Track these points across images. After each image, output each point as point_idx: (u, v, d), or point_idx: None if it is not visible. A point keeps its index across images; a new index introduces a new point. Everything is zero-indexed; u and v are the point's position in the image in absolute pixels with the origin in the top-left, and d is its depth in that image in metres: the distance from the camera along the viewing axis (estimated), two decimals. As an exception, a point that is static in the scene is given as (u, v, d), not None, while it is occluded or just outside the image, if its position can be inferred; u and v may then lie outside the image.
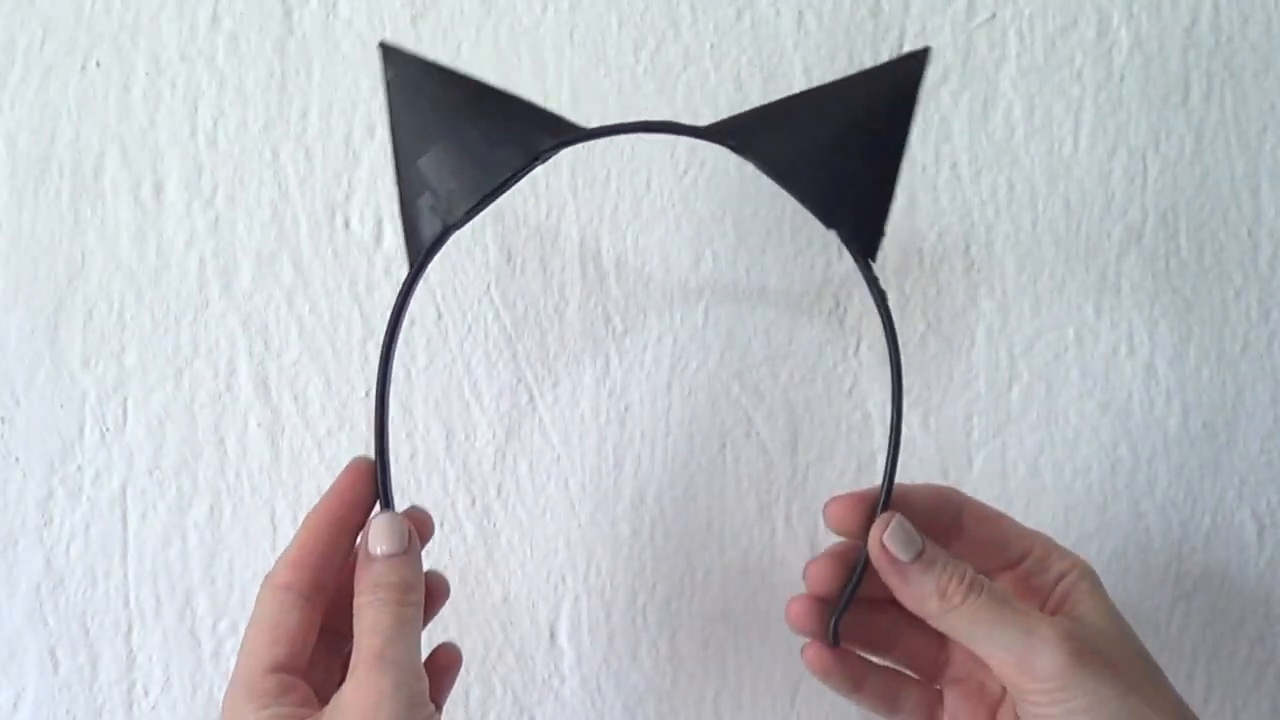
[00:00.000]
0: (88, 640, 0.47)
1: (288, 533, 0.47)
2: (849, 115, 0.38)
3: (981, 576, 0.37)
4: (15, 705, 0.47)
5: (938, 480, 0.49)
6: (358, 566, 0.36)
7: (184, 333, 0.48)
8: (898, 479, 0.38)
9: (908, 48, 0.49)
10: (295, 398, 0.48)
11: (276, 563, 0.37)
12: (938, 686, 0.41)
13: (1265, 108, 0.50)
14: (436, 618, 0.41)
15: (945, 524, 0.39)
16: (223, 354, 0.48)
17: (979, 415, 0.49)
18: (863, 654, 0.41)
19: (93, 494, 0.47)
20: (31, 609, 0.47)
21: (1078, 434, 0.50)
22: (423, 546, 0.38)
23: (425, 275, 0.48)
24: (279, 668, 0.35)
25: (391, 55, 0.38)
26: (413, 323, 0.48)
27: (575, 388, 0.48)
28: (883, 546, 0.37)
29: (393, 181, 0.48)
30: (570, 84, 0.49)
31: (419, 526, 0.38)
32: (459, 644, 0.41)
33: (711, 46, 0.49)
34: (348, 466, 0.38)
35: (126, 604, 0.47)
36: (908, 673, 0.41)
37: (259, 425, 0.48)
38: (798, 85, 0.49)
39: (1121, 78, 0.50)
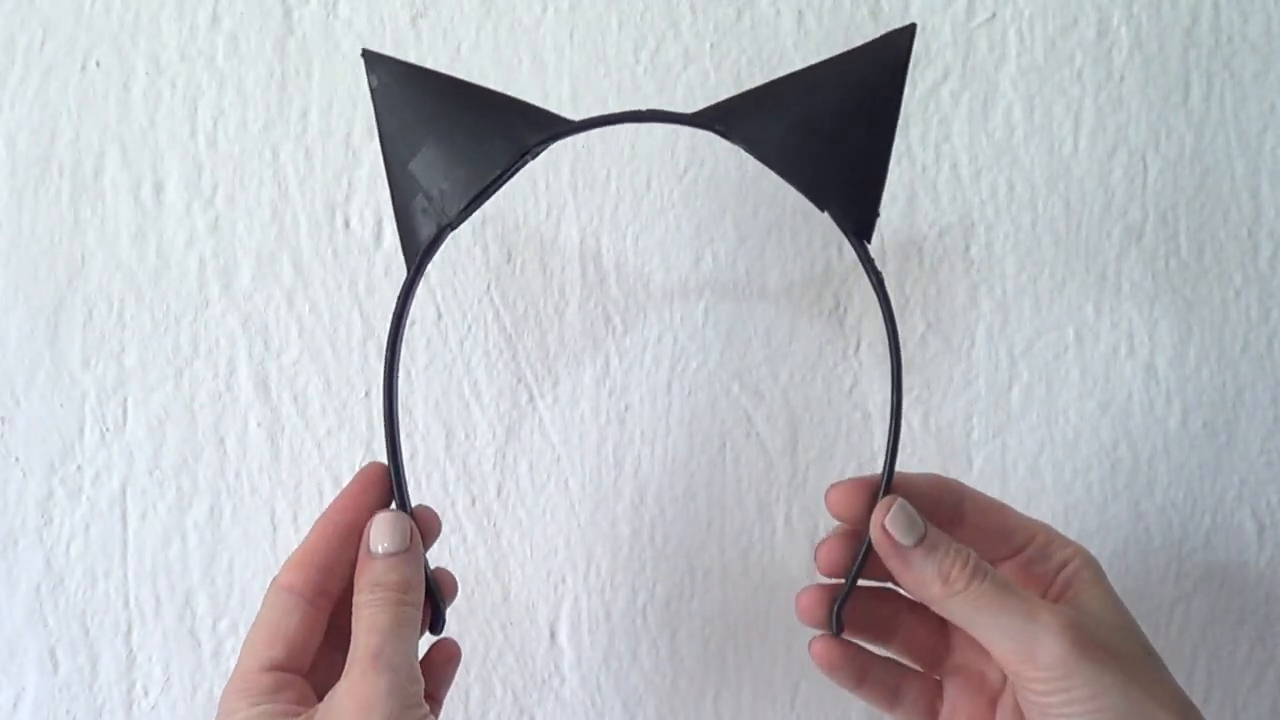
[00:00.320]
0: (88, 640, 0.47)
1: (288, 532, 0.47)
2: (837, 94, 0.38)
3: (984, 562, 0.36)
4: (15, 705, 0.47)
5: (938, 480, 0.49)
6: (358, 564, 0.36)
7: (184, 333, 0.48)
8: (898, 469, 0.38)
9: (908, 48, 0.49)
10: (295, 398, 0.48)
11: (283, 564, 0.37)
12: (938, 677, 0.41)
13: (1265, 108, 0.50)
14: None
15: (947, 512, 0.39)
16: (223, 354, 0.48)
17: (979, 415, 0.49)
18: (864, 644, 0.41)
19: (93, 494, 0.47)
20: (31, 609, 0.47)
21: (1078, 434, 0.50)
22: (429, 545, 0.38)
23: (425, 275, 0.48)
24: (275, 667, 0.35)
25: (374, 62, 0.38)
26: (413, 323, 0.48)
27: (575, 388, 0.48)
28: (884, 530, 0.37)
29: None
30: (570, 84, 0.49)
31: (425, 525, 0.38)
32: (459, 644, 0.41)
33: (711, 46, 0.49)
34: (360, 471, 0.38)
35: (126, 604, 0.47)
36: (909, 664, 0.41)
37: (259, 425, 0.48)
38: (798, 85, 0.49)
39: (1121, 78, 0.50)
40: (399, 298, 0.37)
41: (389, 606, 0.35)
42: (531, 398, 0.48)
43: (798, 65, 0.49)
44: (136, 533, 0.47)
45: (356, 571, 0.36)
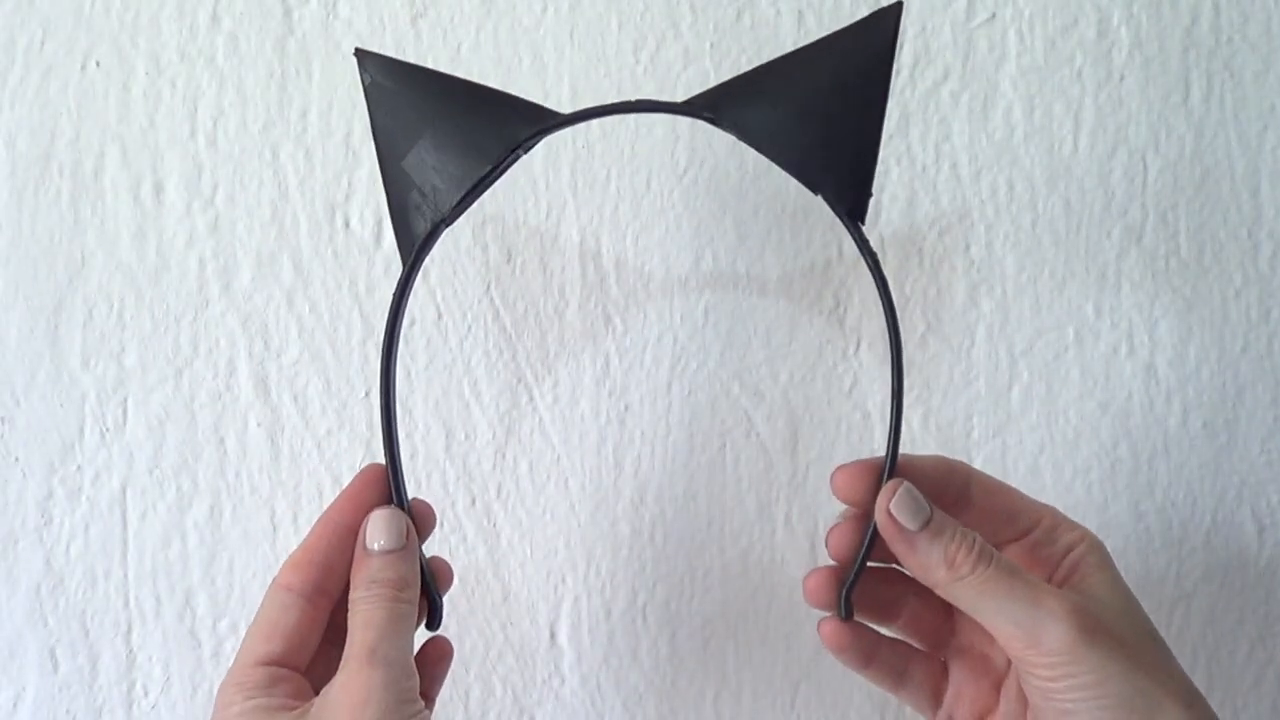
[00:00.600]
0: (88, 640, 0.47)
1: (288, 532, 0.47)
2: (826, 76, 0.38)
3: (990, 547, 0.36)
4: (15, 705, 0.47)
5: (938, 480, 0.49)
6: (355, 561, 0.36)
7: (184, 333, 0.48)
8: (902, 453, 0.38)
9: (908, 48, 0.49)
10: (295, 398, 0.48)
11: (283, 564, 0.37)
12: (942, 659, 0.41)
13: (1265, 108, 0.50)
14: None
15: (954, 495, 0.38)
16: (223, 354, 0.48)
17: (979, 415, 0.49)
18: (868, 623, 0.41)
19: (93, 494, 0.47)
20: (31, 609, 0.47)
21: (1078, 434, 0.50)
22: (425, 538, 0.38)
23: (425, 274, 0.48)
24: (272, 661, 0.35)
25: (366, 60, 0.38)
26: (413, 323, 0.48)
27: (575, 388, 0.48)
28: (889, 515, 0.36)
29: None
30: (570, 84, 0.49)
31: (421, 520, 0.38)
32: (459, 644, 0.41)
33: (711, 46, 0.49)
34: (361, 472, 0.38)
35: (126, 604, 0.47)
36: (914, 644, 0.41)
37: (259, 425, 0.48)
38: (798, 85, 0.49)
39: (1121, 78, 0.50)
40: (394, 294, 0.38)
41: (384, 603, 0.35)
42: (531, 398, 0.48)
43: (798, 65, 0.49)
44: (136, 533, 0.47)
45: (353, 568, 0.36)
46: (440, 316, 0.48)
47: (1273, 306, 0.50)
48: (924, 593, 0.39)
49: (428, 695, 0.39)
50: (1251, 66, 0.50)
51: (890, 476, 0.37)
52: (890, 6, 0.38)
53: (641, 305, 0.49)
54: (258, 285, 0.48)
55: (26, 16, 0.47)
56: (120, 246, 0.47)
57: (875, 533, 0.37)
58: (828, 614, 0.39)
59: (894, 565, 0.40)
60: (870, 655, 0.40)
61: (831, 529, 0.39)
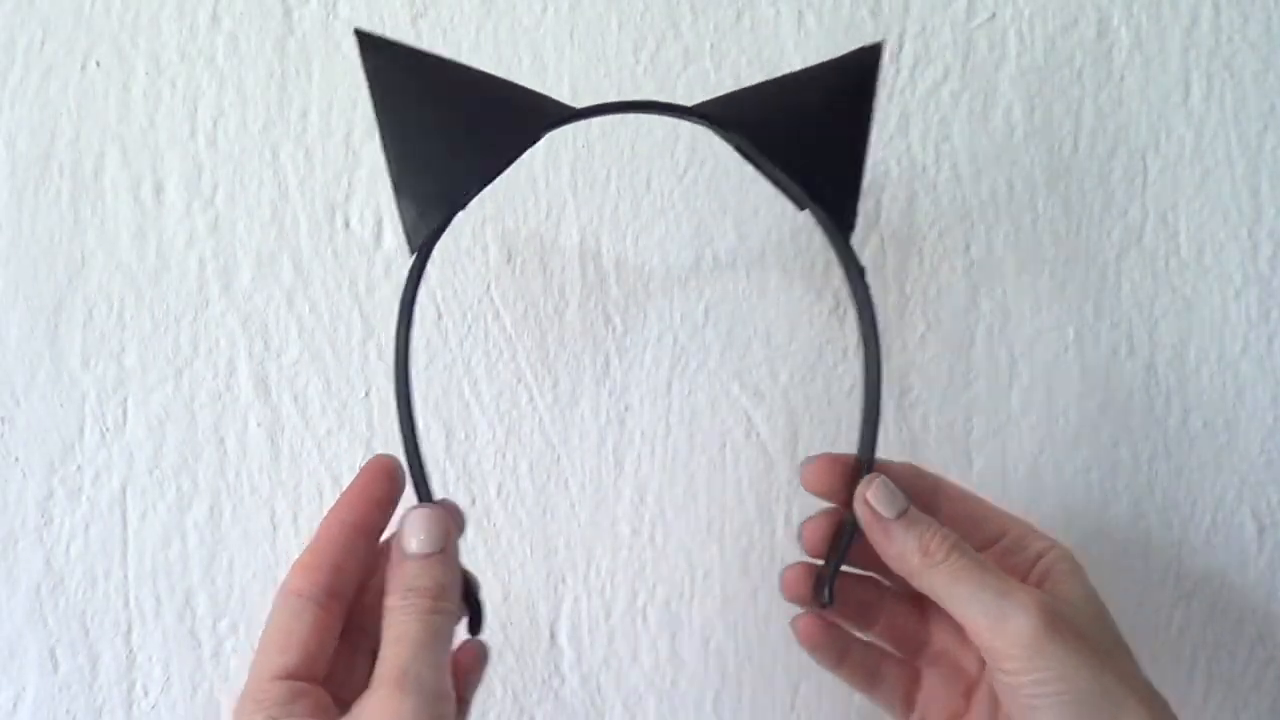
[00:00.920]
0: (88, 640, 0.47)
1: (288, 532, 0.47)
2: (816, 102, 0.39)
3: (964, 541, 0.37)
4: (15, 705, 0.47)
5: (938, 480, 0.49)
6: (390, 564, 0.35)
7: (184, 333, 0.48)
8: (878, 457, 0.39)
9: (908, 48, 0.49)
10: (295, 398, 0.48)
11: (290, 568, 0.35)
12: (917, 665, 0.41)
13: (1265, 108, 0.50)
14: None
15: (924, 500, 0.39)
16: (223, 354, 0.48)
17: (979, 415, 0.49)
18: (847, 627, 0.41)
19: (93, 494, 0.47)
20: (31, 609, 0.47)
21: (1078, 434, 0.50)
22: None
23: (425, 273, 0.48)
24: (289, 675, 0.33)
25: (368, 43, 0.37)
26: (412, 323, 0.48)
27: (575, 388, 0.48)
28: (867, 503, 0.37)
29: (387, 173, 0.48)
30: (570, 84, 0.49)
31: (453, 520, 0.36)
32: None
33: (711, 46, 0.49)
34: (368, 464, 0.36)
35: (126, 604, 0.47)
36: (889, 649, 0.42)
37: (259, 425, 0.48)
38: (798, 85, 0.49)
39: (1121, 78, 0.50)
40: (408, 282, 0.36)
41: (421, 615, 0.33)
42: (531, 398, 0.48)
43: (797, 65, 0.49)
44: (136, 533, 0.47)
45: (388, 571, 0.34)
46: (440, 316, 0.48)
47: (1273, 306, 0.50)
48: (901, 600, 0.40)
49: (462, 699, 0.37)
50: (1251, 66, 0.50)
51: (868, 472, 0.38)
52: (871, 46, 0.40)
53: (641, 305, 0.49)
54: (258, 285, 0.48)
55: (26, 16, 0.47)
56: (120, 246, 0.47)
57: (855, 525, 0.38)
58: (804, 610, 0.40)
59: (872, 574, 0.40)
60: (843, 654, 0.40)
61: (805, 522, 0.40)
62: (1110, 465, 0.50)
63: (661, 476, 0.49)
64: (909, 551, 0.37)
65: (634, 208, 0.49)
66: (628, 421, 0.49)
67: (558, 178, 0.48)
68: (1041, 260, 0.50)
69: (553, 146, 0.48)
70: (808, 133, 0.39)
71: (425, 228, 0.36)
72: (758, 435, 0.49)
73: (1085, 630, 0.36)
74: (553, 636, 0.48)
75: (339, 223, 0.48)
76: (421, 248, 0.37)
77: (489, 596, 0.48)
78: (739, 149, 0.41)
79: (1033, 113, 0.50)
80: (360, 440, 0.48)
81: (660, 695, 0.49)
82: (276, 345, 0.48)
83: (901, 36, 0.49)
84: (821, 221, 0.39)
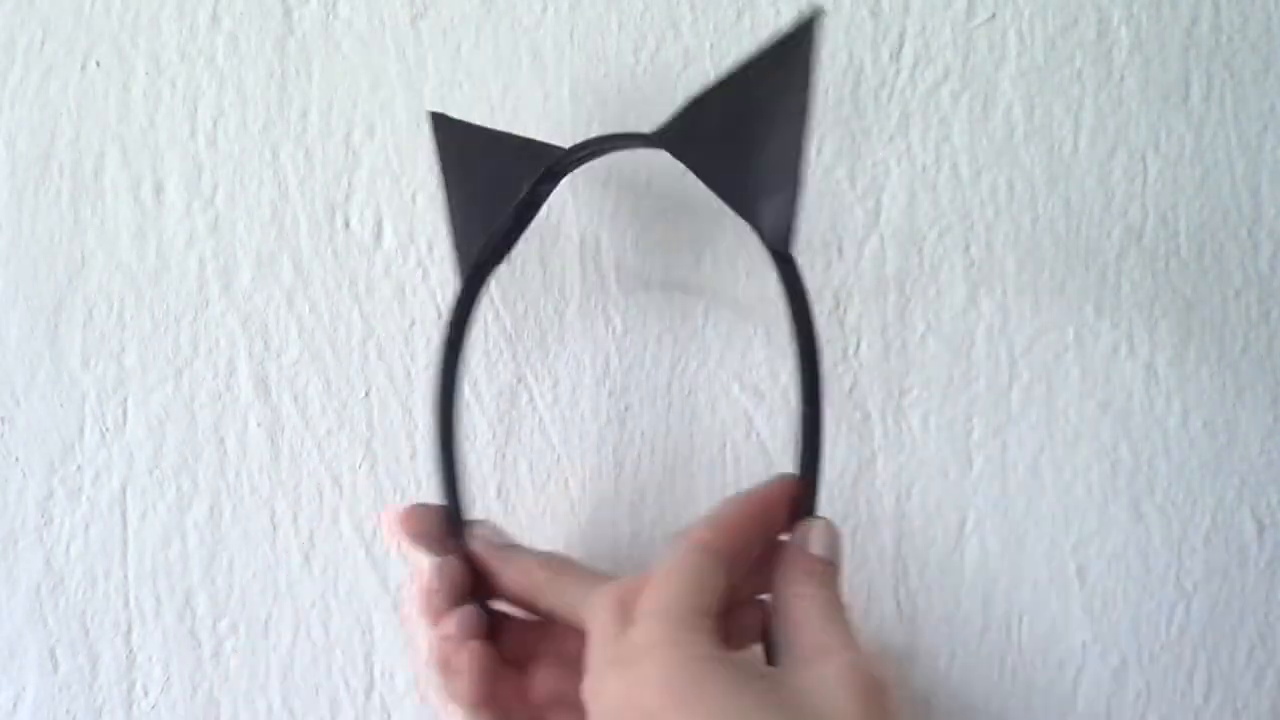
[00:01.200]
0: (88, 640, 0.47)
1: (288, 533, 0.47)
2: (750, 101, 0.36)
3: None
4: (15, 705, 0.47)
5: (938, 481, 0.49)
6: (793, 556, 0.37)
7: (184, 333, 0.48)
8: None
9: (908, 48, 0.49)
10: (295, 398, 0.48)
11: (693, 525, 0.37)
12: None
13: (1265, 108, 0.50)
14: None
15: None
16: (223, 354, 0.48)
17: (979, 415, 0.49)
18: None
19: (93, 494, 0.47)
20: (31, 609, 0.47)
21: (1078, 434, 0.50)
22: None
23: (425, 274, 0.48)
24: (709, 615, 0.34)
25: (440, 122, 0.44)
26: (412, 323, 0.48)
27: (575, 388, 0.48)
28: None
29: (394, 180, 0.48)
30: (570, 84, 0.49)
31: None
32: None
33: (711, 46, 0.49)
34: (778, 480, 0.38)
35: (126, 604, 0.47)
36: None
37: (259, 425, 0.48)
38: (798, 85, 0.49)
39: (1121, 78, 0.50)
40: (456, 308, 0.41)
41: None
42: (531, 398, 0.48)
43: (798, 65, 0.49)
44: (136, 533, 0.47)
45: (790, 564, 0.36)
46: (440, 316, 0.48)
47: (1273, 306, 0.50)
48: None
49: None
50: (1251, 66, 0.50)
51: (809, 514, 0.38)
52: (804, 24, 0.35)
53: (641, 305, 0.49)
54: (258, 285, 0.48)
55: (26, 16, 0.47)
56: (120, 246, 0.48)
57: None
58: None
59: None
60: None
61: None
62: (1110, 465, 0.50)
63: (661, 476, 0.49)
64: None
65: (634, 208, 0.49)
66: (628, 421, 0.49)
67: (558, 178, 0.48)
68: (1041, 260, 0.50)
69: (553, 146, 0.48)
70: (737, 150, 0.36)
71: (475, 267, 0.42)
72: (758, 435, 0.49)
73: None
74: (553, 636, 0.48)
75: (339, 223, 0.48)
76: (472, 278, 0.42)
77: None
78: (687, 165, 0.39)
79: (1033, 113, 0.50)
80: (360, 440, 0.48)
81: (660, 695, 0.49)
82: (276, 345, 0.48)
83: (901, 36, 0.49)
84: (760, 236, 0.37)
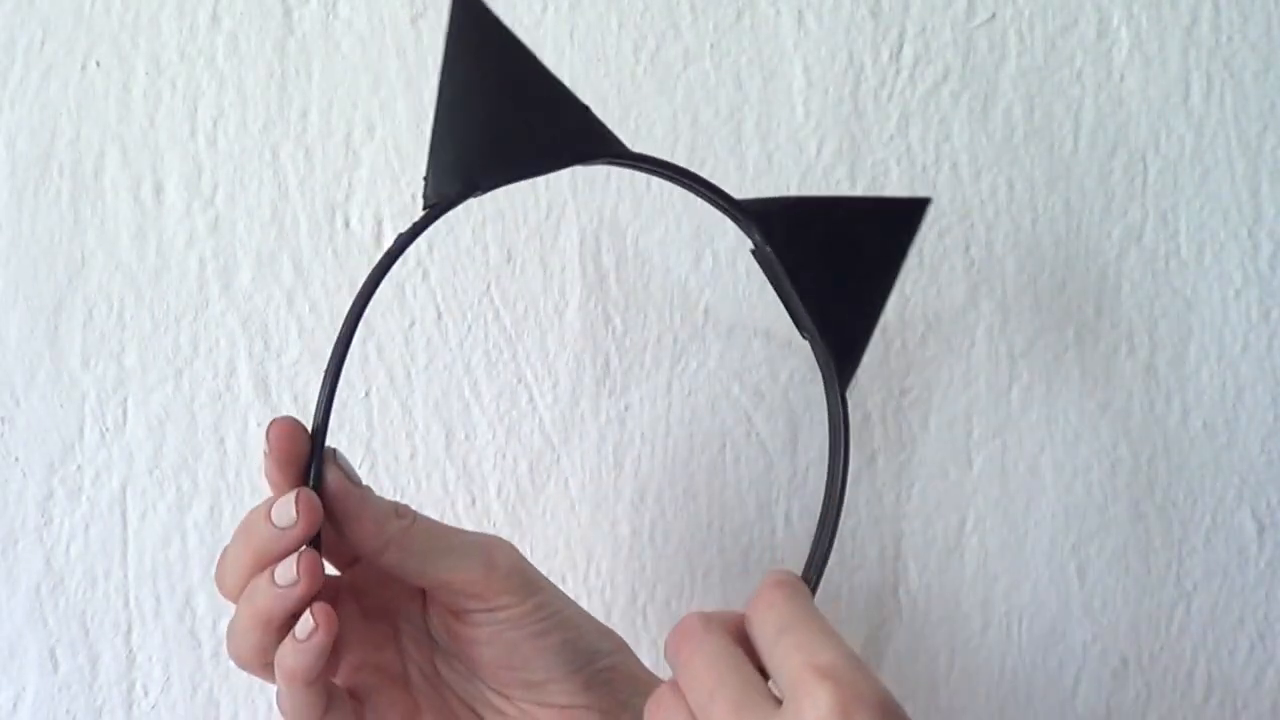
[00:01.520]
0: (88, 640, 0.47)
1: (288, 533, 0.47)
2: (853, 236, 0.39)
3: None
4: (15, 705, 0.47)
5: (938, 481, 0.49)
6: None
7: (184, 333, 0.48)
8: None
9: (908, 48, 0.49)
10: (295, 398, 0.48)
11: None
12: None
13: (1265, 108, 0.50)
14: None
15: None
16: (223, 354, 0.48)
17: (979, 415, 0.49)
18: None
19: (93, 494, 0.47)
20: (31, 609, 0.47)
21: (1078, 434, 0.50)
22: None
23: (425, 274, 0.48)
24: None
25: (463, 4, 0.38)
26: (412, 323, 0.48)
27: (575, 388, 0.48)
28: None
29: (394, 180, 0.48)
30: (570, 84, 0.49)
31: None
32: None
33: (711, 46, 0.49)
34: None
35: (126, 604, 0.47)
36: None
37: (259, 425, 0.48)
38: (798, 85, 0.49)
39: (1121, 78, 0.50)
40: (401, 236, 0.37)
41: None
42: (531, 398, 0.48)
43: (798, 65, 0.49)
44: (136, 533, 0.47)
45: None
46: (440, 316, 0.48)
47: (1273, 306, 0.50)
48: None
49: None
50: (1251, 66, 0.50)
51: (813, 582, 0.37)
52: (922, 199, 0.40)
53: (641, 305, 0.49)
54: (258, 285, 0.48)
55: (26, 16, 0.47)
56: (120, 246, 0.48)
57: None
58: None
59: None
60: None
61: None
62: (1110, 465, 0.50)
63: (661, 476, 0.49)
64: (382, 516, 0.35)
65: (634, 208, 0.49)
66: (628, 421, 0.49)
67: (558, 178, 0.48)
68: (1041, 260, 0.50)
69: (553, 146, 0.48)
70: (839, 264, 0.38)
71: (436, 196, 0.36)
72: (758, 435, 0.49)
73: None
74: (553, 636, 0.48)
75: (339, 223, 0.48)
76: (429, 216, 0.37)
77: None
78: (760, 255, 0.40)
79: (1033, 113, 0.50)
80: (360, 440, 0.48)
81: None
82: (276, 345, 0.48)
83: (901, 36, 0.49)
84: (821, 362, 0.39)
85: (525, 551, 0.48)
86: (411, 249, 0.48)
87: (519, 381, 0.48)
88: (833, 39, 0.49)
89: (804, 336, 0.40)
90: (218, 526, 0.48)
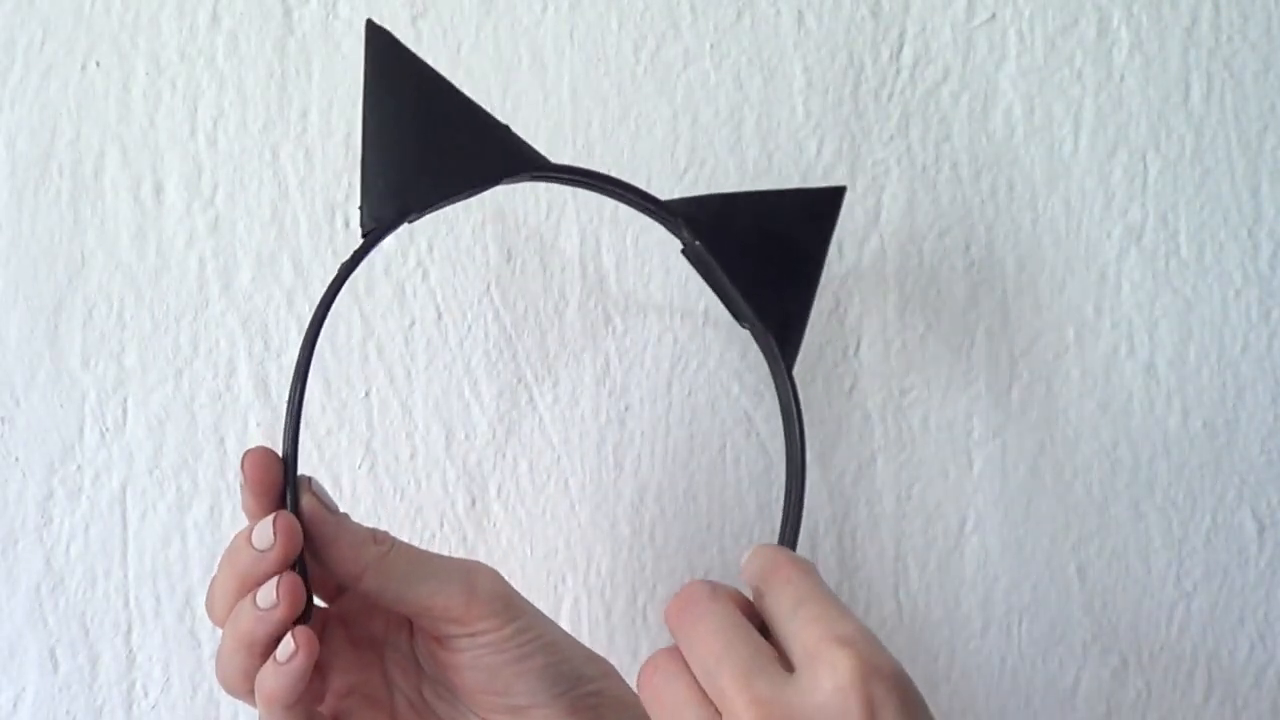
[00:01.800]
0: (88, 640, 0.47)
1: (288, 533, 0.47)
2: (780, 226, 0.41)
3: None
4: (15, 705, 0.47)
5: (938, 482, 0.49)
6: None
7: (184, 333, 0.48)
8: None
9: (908, 48, 0.49)
10: (295, 398, 0.48)
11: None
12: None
13: (1265, 108, 0.50)
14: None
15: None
16: (223, 354, 0.48)
17: (979, 415, 0.49)
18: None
19: (93, 494, 0.47)
20: (31, 609, 0.47)
21: (1078, 434, 0.50)
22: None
23: (425, 274, 0.48)
24: None
25: (376, 36, 0.39)
26: (412, 323, 0.48)
27: (575, 388, 0.48)
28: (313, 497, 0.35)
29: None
30: (570, 83, 0.49)
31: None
32: None
33: (711, 46, 0.49)
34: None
35: (126, 604, 0.47)
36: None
37: (259, 425, 0.48)
38: (798, 85, 0.49)
39: (1121, 78, 0.50)
40: (342, 267, 0.37)
41: None
42: (531, 398, 0.48)
43: (798, 65, 0.49)
44: (136, 533, 0.47)
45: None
46: (440, 316, 0.48)
47: (1273, 306, 0.50)
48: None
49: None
50: (1251, 66, 0.50)
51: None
52: (838, 187, 0.43)
53: (641, 305, 0.49)
54: (258, 285, 0.48)
55: (26, 16, 0.47)
56: (120, 246, 0.48)
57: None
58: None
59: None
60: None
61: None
62: (1110, 465, 0.50)
63: (661, 476, 0.49)
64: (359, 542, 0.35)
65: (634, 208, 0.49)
66: (628, 421, 0.49)
67: (558, 178, 0.48)
68: (1041, 260, 0.50)
69: (553, 146, 0.48)
70: (768, 254, 0.40)
71: (373, 222, 0.37)
72: (758, 435, 0.49)
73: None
74: (553, 636, 0.48)
75: (339, 223, 0.48)
76: (368, 244, 0.37)
77: (489, 596, 0.48)
78: (691, 253, 0.41)
79: (1033, 113, 0.50)
80: (360, 440, 0.48)
81: (660, 695, 0.49)
82: (276, 345, 0.48)
83: (901, 36, 0.49)
84: (763, 347, 0.41)
85: (525, 551, 0.48)
86: (411, 249, 0.48)
87: (519, 381, 0.48)
88: (833, 39, 0.49)
89: (744, 326, 0.42)
90: (218, 526, 0.48)
